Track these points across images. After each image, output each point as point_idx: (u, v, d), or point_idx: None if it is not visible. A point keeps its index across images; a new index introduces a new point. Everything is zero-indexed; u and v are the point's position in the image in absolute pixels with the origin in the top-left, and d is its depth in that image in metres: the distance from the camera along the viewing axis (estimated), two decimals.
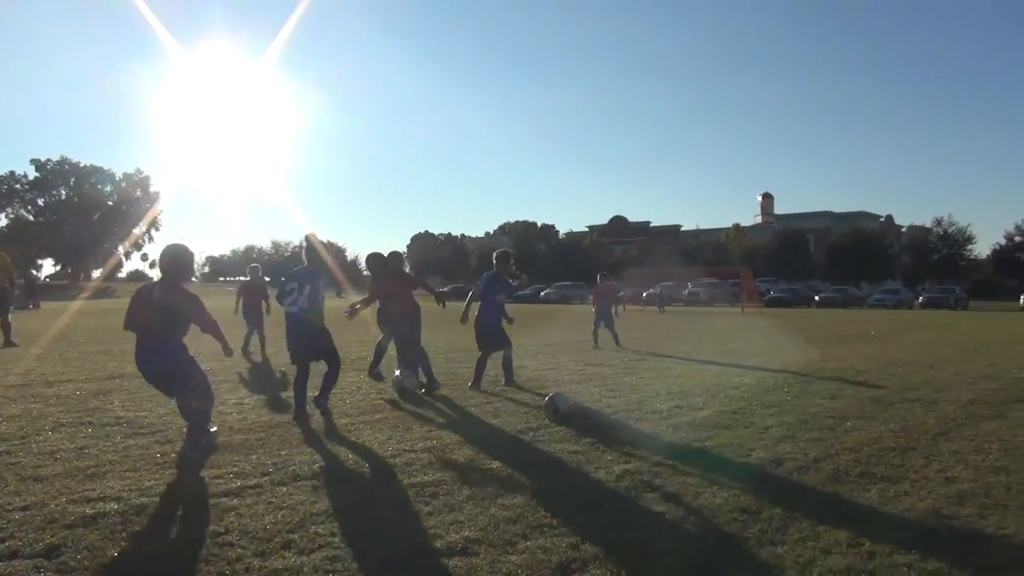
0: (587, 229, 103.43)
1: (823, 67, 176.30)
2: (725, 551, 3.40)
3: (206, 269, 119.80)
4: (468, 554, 3.35)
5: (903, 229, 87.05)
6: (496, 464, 4.99)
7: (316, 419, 6.54)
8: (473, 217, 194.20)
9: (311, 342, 6.67)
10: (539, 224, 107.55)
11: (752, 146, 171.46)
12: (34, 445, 5.46)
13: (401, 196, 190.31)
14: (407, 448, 5.50)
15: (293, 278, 6.72)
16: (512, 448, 5.49)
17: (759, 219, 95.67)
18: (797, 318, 30.91)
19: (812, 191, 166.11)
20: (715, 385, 8.88)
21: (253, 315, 12.98)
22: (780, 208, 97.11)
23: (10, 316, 13.76)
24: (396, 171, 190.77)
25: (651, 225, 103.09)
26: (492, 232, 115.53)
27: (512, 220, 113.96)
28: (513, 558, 3.29)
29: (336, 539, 3.52)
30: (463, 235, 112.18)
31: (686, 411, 7.09)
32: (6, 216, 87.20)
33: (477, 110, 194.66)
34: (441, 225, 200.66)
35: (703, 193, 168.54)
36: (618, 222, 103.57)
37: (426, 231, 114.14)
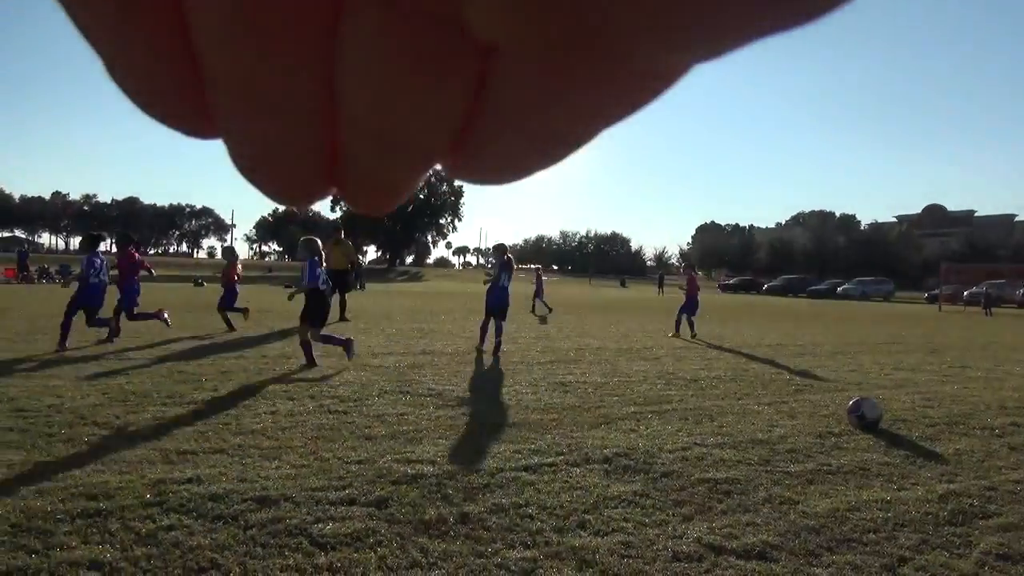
0: (895, 219, 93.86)
1: None
2: None
3: None
4: (766, 559, 3.19)
5: None
6: (794, 468, 4.69)
7: (609, 404, 6.69)
8: (763, 206, 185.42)
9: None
10: (838, 214, 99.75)
11: None
12: (364, 408, 6.26)
13: (686, 184, 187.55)
14: (697, 442, 5.39)
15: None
16: (811, 452, 5.12)
17: None
18: None
19: None
20: None
21: None
22: None
23: (347, 296, 15.98)
24: (681, 158, 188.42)
25: (976, 215, 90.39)
26: (784, 223, 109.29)
27: (806, 210, 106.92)
28: (818, 571, 3.07)
29: (629, 525, 3.56)
30: (751, 226, 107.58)
31: None
32: (340, 208, 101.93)
33: (766, 88, 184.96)
34: (728, 215, 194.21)
35: None
36: (934, 211, 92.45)
37: (712, 221, 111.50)
